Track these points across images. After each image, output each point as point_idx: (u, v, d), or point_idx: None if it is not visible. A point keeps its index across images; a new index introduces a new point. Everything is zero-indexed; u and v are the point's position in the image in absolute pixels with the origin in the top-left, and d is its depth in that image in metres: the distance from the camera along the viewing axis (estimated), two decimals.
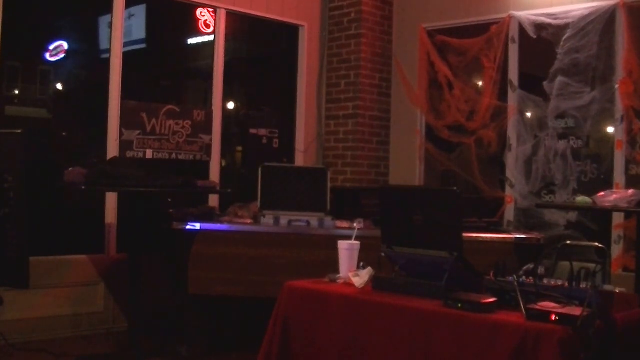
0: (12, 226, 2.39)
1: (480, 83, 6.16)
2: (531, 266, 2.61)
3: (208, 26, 6.09)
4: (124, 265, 5.01)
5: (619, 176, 5.28)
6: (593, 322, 2.24)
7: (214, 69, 6.08)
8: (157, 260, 5.07)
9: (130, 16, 5.73)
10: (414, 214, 2.85)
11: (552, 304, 2.33)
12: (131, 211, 5.05)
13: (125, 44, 5.57)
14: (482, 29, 6.00)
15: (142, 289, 4.67)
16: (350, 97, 6.57)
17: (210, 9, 6.08)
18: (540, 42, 5.62)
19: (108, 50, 5.51)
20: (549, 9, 5.62)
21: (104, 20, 5.66)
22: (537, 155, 5.68)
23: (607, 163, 5.40)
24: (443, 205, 2.83)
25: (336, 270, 3.09)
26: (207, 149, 5.93)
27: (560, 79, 5.47)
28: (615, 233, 5.25)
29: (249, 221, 4.97)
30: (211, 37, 6.11)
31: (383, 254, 2.96)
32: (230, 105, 6.57)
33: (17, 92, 5.46)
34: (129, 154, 5.46)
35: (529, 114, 5.84)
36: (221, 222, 4.86)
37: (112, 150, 5.40)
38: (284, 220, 4.78)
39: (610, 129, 5.46)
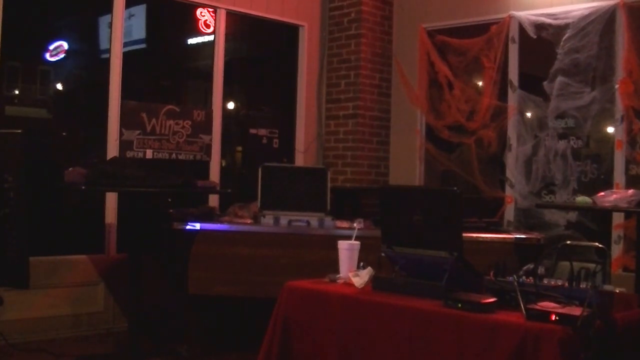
0: (12, 226, 2.39)
1: (480, 83, 6.16)
2: (531, 266, 2.61)
3: (208, 26, 6.09)
4: (124, 265, 5.01)
5: (619, 176, 5.28)
6: (593, 322, 2.24)
7: (214, 69, 6.08)
8: (157, 260, 5.07)
9: (130, 16, 5.73)
10: (414, 214, 2.85)
11: (552, 304, 2.33)
12: (131, 211, 5.05)
13: (125, 44, 5.57)
14: (482, 29, 6.00)
15: (142, 289, 4.66)
16: (350, 97, 6.57)
17: (210, 9, 6.08)
18: (540, 42, 5.62)
19: (108, 50, 5.51)
20: (549, 9, 5.62)
21: (104, 20, 5.66)
22: (537, 155, 5.68)
23: (607, 163, 5.40)
24: (443, 205, 2.83)
25: (336, 270, 3.09)
26: (207, 149, 5.93)
27: (560, 79, 5.47)
28: (615, 233, 5.25)
29: (249, 221, 4.97)
30: (211, 37, 6.11)
31: (383, 254, 2.96)
32: (230, 105, 6.57)
33: (17, 92, 5.46)
34: (129, 154, 5.46)
35: (529, 114, 5.84)
36: (221, 222, 4.86)
37: (112, 150, 5.40)
38: (284, 220, 4.78)
39: (610, 129, 5.46)
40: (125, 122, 5.47)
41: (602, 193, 4.31)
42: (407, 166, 6.59)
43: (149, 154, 5.59)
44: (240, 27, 6.45)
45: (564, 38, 5.46)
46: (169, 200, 5.10)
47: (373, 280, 2.90)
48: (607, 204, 4.21)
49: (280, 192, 4.95)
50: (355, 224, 4.55)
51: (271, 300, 3.06)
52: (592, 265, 2.73)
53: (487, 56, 5.91)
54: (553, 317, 2.25)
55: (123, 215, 5.43)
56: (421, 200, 2.92)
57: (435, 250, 2.76)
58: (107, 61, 5.49)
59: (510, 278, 2.57)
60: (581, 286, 2.45)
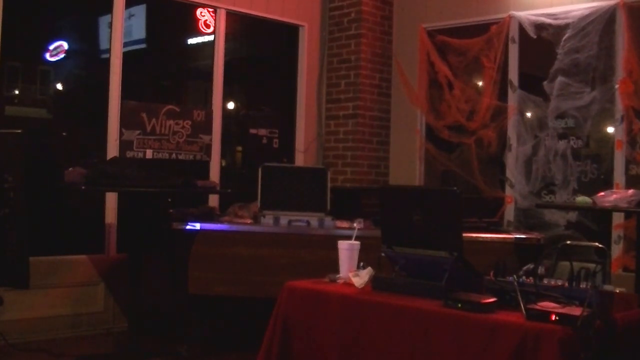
0: (12, 226, 2.39)
1: (480, 83, 6.16)
2: (531, 266, 2.61)
3: (208, 26, 6.09)
4: (124, 265, 5.01)
5: (619, 176, 5.28)
6: (593, 322, 2.24)
7: (214, 69, 6.08)
8: (157, 260, 5.07)
9: (130, 16, 5.73)
10: (414, 214, 2.85)
11: (552, 304, 2.33)
12: (131, 211, 5.05)
13: (125, 44, 5.57)
14: (482, 29, 6.00)
15: (142, 289, 4.67)
16: (350, 97, 6.57)
17: (210, 9, 6.08)
18: (540, 42, 5.62)
19: (108, 50, 5.51)
20: (549, 9, 5.62)
21: (104, 20, 5.66)
22: (537, 155, 5.67)
23: (607, 163, 5.40)
24: (443, 205, 2.83)
25: (336, 270, 3.09)
26: (207, 149, 5.93)
27: (560, 79, 5.47)
28: (615, 233, 5.25)
29: (249, 221, 4.97)
30: (211, 37, 6.11)
31: (383, 254, 2.96)
32: (230, 105, 6.57)
33: (17, 92, 5.46)
34: (129, 154, 5.46)
35: (529, 114, 5.84)
36: (221, 222, 4.86)
37: (112, 150, 5.40)
38: (284, 220, 4.78)
39: (610, 129, 5.46)
40: (125, 122, 5.47)
41: (602, 193, 4.31)
42: (407, 166, 6.59)
43: (149, 154, 5.59)
44: (240, 27, 6.45)
45: (564, 38, 5.46)
46: (169, 200, 5.09)
47: (373, 280, 2.90)
48: (607, 204, 4.21)
49: (280, 192, 4.95)
50: (355, 224, 4.55)
51: (271, 300, 3.06)
52: (592, 265, 2.73)
53: (487, 56, 5.91)
54: (553, 317, 2.26)
55: (123, 215, 5.43)
56: (421, 200, 2.92)
57: (435, 250, 2.76)
58: (107, 61, 5.49)
59: (510, 278, 2.57)
60: (581, 286, 2.45)
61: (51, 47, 5.42)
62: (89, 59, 5.90)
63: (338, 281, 3.03)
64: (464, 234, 2.83)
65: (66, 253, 5.16)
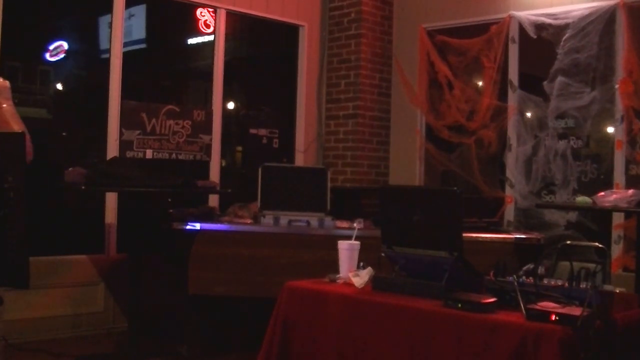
0: (12, 226, 2.39)
1: (480, 83, 6.16)
2: (531, 266, 2.61)
3: (208, 26, 6.09)
4: (124, 265, 5.02)
5: (619, 176, 5.28)
6: (593, 322, 2.24)
7: (214, 69, 6.08)
8: (157, 260, 5.07)
9: (130, 16, 5.73)
10: (414, 214, 2.84)
11: (552, 304, 2.33)
12: (131, 211, 5.05)
13: (125, 44, 5.57)
14: (482, 29, 6.00)
15: (142, 289, 4.66)
16: (350, 97, 6.57)
17: (210, 9, 6.08)
18: (540, 42, 5.62)
19: (108, 50, 5.51)
20: (549, 9, 5.62)
21: (104, 20, 5.66)
22: (537, 155, 5.67)
23: (607, 163, 5.40)
24: (443, 205, 2.83)
25: (336, 270, 3.09)
26: (207, 149, 5.93)
27: (560, 79, 5.47)
28: (615, 233, 5.25)
29: (249, 221, 4.97)
30: (211, 37, 6.11)
31: (383, 254, 2.96)
32: (230, 105, 6.57)
33: (17, 92, 5.46)
34: (129, 154, 5.46)
35: (529, 114, 5.84)
36: (221, 222, 4.86)
37: (112, 150, 5.40)
38: (284, 220, 4.78)
39: (610, 129, 5.46)
40: (125, 122, 5.47)
41: (602, 193, 4.31)
42: (407, 166, 6.59)
43: (149, 154, 5.59)
44: (240, 27, 6.45)
45: (564, 38, 5.45)
46: (169, 200, 5.10)
47: (373, 280, 2.90)
48: (607, 204, 4.21)
49: (280, 192, 4.95)
50: (355, 224, 4.55)
51: (271, 300, 3.06)
52: (592, 265, 2.74)
53: (487, 56, 5.91)
54: (553, 317, 2.25)
55: (123, 215, 5.43)
56: (421, 200, 2.92)
57: (435, 250, 2.76)
58: (107, 61, 5.49)
59: (510, 278, 2.57)
60: (581, 286, 2.45)
61: (51, 47, 5.42)
62: (89, 59, 5.90)
63: (338, 281, 3.03)
64: (464, 234, 2.83)
65: (66, 253, 5.16)
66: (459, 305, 2.47)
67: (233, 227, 4.78)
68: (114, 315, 5.33)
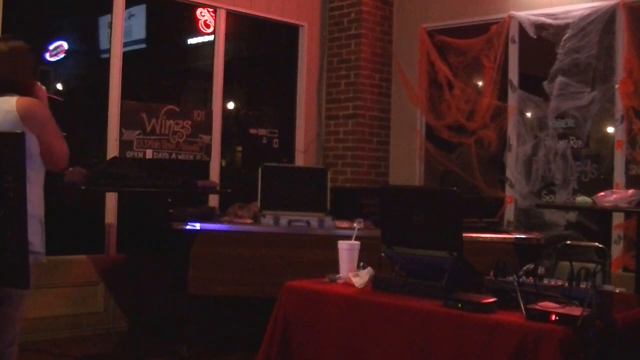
0: (12, 226, 2.39)
1: (480, 83, 6.16)
2: (531, 266, 2.61)
3: (208, 26, 6.09)
4: (124, 265, 5.01)
5: (619, 176, 5.28)
6: (593, 322, 2.24)
7: (214, 69, 6.08)
8: (157, 260, 5.07)
9: (130, 16, 5.73)
10: (414, 214, 2.84)
11: (552, 304, 2.33)
12: (131, 211, 5.05)
13: (125, 44, 5.57)
14: (482, 29, 6.00)
15: (142, 289, 4.66)
16: (350, 97, 6.58)
17: (210, 9, 6.08)
18: (540, 42, 5.62)
19: (108, 50, 5.51)
20: (549, 9, 5.62)
21: (104, 20, 5.66)
22: (537, 155, 5.68)
23: (607, 163, 5.40)
24: (443, 205, 2.83)
25: (336, 270, 3.09)
26: (207, 149, 5.93)
27: (560, 79, 5.47)
28: (615, 233, 5.25)
29: (249, 221, 4.97)
30: (211, 37, 6.11)
31: (383, 254, 2.96)
32: (230, 105, 6.57)
33: None
34: (129, 154, 5.46)
35: (529, 114, 5.84)
36: (221, 222, 4.86)
37: (112, 150, 5.41)
38: (284, 220, 4.78)
39: (610, 129, 5.46)
40: (125, 122, 5.47)
41: (602, 193, 4.31)
42: (407, 166, 6.59)
43: (149, 154, 5.59)
44: (240, 27, 6.45)
45: (564, 38, 5.45)
46: (169, 200, 5.10)
47: (373, 280, 2.90)
48: (607, 204, 4.21)
49: (280, 192, 4.95)
50: (355, 224, 4.54)
51: (271, 300, 3.06)
52: (592, 265, 2.73)
53: (487, 56, 5.91)
54: (553, 317, 2.25)
55: (123, 215, 5.43)
56: (421, 200, 2.92)
57: (435, 250, 2.76)
58: (107, 61, 5.49)
59: (510, 278, 2.57)
60: (581, 286, 2.45)
61: (51, 47, 5.42)
62: (89, 59, 5.90)
63: (338, 281, 3.02)
64: (464, 234, 2.83)
65: (66, 253, 5.16)
66: (459, 305, 2.47)
67: (233, 227, 4.78)
68: (114, 315, 5.33)
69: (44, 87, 3.05)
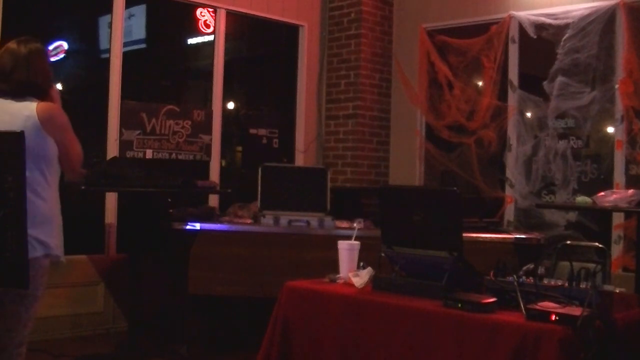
0: (12, 226, 2.39)
1: (480, 83, 6.16)
2: (531, 266, 2.61)
3: (208, 26, 6.09)
4: (124, 265, 5.01)
5: (619, 176, 5.28)
6: (593, 322, 2.24)
7: (214, 69, 6.08)
8: (157, 260, 5.07)
9: (130, 16, 5.73)
10: (414, 214, 2.84)
11: (552, 304, 2.33)
12: (131, 211, 5.05)
13: (125, 44, 5.57)
14: (482, 29, 6.00)
15: (142, 289, 4.66)
16: (350, 97, 6.57)
17: (210, 9, 6.08)
18: (540, 42, 5.62)
19: (108, 50, 5.51)
20: (549, 9, 5.62)
21: (104, 20, 5.66)
22: (537, 155, 5.68)
23: (607, 163, 5.40)
24: (443, 205, 2.83)
25: (336, 270, 3.09)
26: (207, 149, 5.93)
27: (560, 79, 5.47)
28: (615, 233, 5.25)
29: (249, 221, 4.97)
30: (211, 37, 6.11)
31: (383, 254, 2.96)
32: (230, 105, 6.57)
33: None
34: (129, 154, 5.46)
35: (529, 114, 5.84)
36: (221, 222, 4.86)
37: (112, 150, 5.40)
38: (284, 220, 4.78)
39: (610, 129, 5.46)
40: (125, 122, 5.47)
41: (602, 193, 4.31)
42: (407, 166, 6.59)
43: (149, 154, 5.59)
44: (240, 27, 6.45)
45: (564, 38, 5.45)
46: (169, 200, 5.09)
47: (373, 280, 2.89)
48: (607, 204, 4.21)
49: (280, 192, 4.95)
50: (355, 224, 4.55)
51: (271, 300, 3.06)
52: (592, 265, 2.73)
53: (487, 56, 5.91)
54: (553, 317, 2.25)
55: (123, 215, 5.43)
56: (421, 200, 2.92)
57: (435, 250, 2.76)
58: (107, 61, 5.49)
59: (510, 278, 2.57)
60: (581, 286, 2.45)
61: (51, 47, 5.42)
62: (89, 59, 5.90)
63: (338, 281, 3.02)
64: (464, 234, 2.82)
65: (66, 253, 5.13)
66: (459, 305, 2.47)
67: (233, 227, 4.78)
68: (113, 315, 5.33)
69: (58, 90, 3.06)
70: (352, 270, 2.98)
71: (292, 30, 6.71)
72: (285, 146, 6.65)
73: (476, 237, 4.60)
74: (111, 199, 5.43)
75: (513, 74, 5.90)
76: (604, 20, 5.31)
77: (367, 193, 6.28)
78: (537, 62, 5.99)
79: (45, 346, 4.72)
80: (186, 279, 4.58)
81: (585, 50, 5.36)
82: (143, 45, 5.91)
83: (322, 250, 4.38)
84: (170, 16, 6.17)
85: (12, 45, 2.87)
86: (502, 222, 5.76)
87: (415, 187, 5.88)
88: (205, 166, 5.96)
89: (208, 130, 5.94)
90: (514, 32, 5.87)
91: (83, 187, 4.36)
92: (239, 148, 6.86)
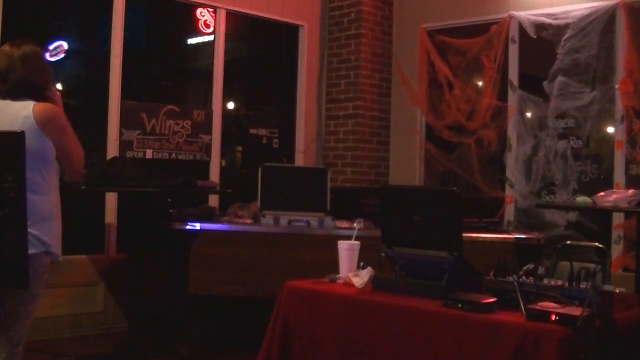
0: (12, 226, 2.39)
1: (480, 83, 6.16)
2: (531, 266, 2.61)
3: (208, 26, 6.09)
4: (124, 265, 5.01)
5: (619, 176, 5.28)
6: (593, 322, 2.24)
7: (214, 69, 6.08)
8: (157, 260, 5.07)
9: (131, 16, 5.72)
10: (414, 214, 2.84)
11: (552, 304, 2.33)
12: (131, 211, 5.05)
13: (125, 44, 5.56)
14: (482, 29, 6.00)
15: (142, 289, 4.66)
16: (350, 97, 6.58)
17: (210, 9, 6.08)
18: (540, 42, 5.62)
19: (108, 50, 5.51)
20: (549, 9, 5.62)
21: (104, 20, 5.66)
22: (537, 155, 5.67)
23: (607, 163, 5.40)
24: (443, 205, 2.83)
25: (336, 270, 3.09)
26: (207, 149, 5.93)
27: (560, 79, 5.47)
28: (615, 233, 5.25)
29: (249, 221, 4.97)
30: (211, 37, 6.11)
31: (383, 254, 2.96)
32: (230, 105, 6.57)
33: None
34: (129, 154, 5.46)
35: (529, 114, 5.84)
36: (221, 222, 4.86)
37: (112, 150, 5.40)
38: (284, 220, 4.78)
39: (610, 129, 5.46)
40: (125, 122, 5.47)
41: (602, 193, 4.31)
42: (407, 166, 6.59)
43: (149, 154, 5.59)
44: (240, 27, 6.45)
45: (564, 38, 5.46)
46: (169, 200, 5.09)
47: (373, 280, 2.90)
48: (607, 204, 4.21)
49: (280, 192, 4.95)
50: (355, 224, 4.55)
51: (271, 300, 3.06)
52: (592, 265, 2.73)
53: (487, 56, 5.91)
54: (553, 317, 2.25)
55: (123, 215, 5.43)
56: (421, 200, 2.92)
57: (435, 250, 2.76)
58: (107, 61, 5.49)
59: (510, 278, 2.57)
60: (581, 286, 2.45)
61: (51, 47, 5.42)
62: (88, 59, 5.89)
63: (338, 281, 3.03)
64: (464, 234, 2.83)
65: (66, 253, 5.13)
66: (459, 305, 2.47)
67: (233, 227, 4.78)
68: (113, 315, 5.33)
69: (58, 91, 3.06)
70: (352, 270, 2.98)
71: (292, 30, 6.71)
72: (285, 146, 6.65)
73: (476, 237, 4.60)
74: (111, 199, 5.43)
75: (513, 74, 5.90)
76: (604, 20, 5.31)
77: (367, 193, 6.28)
78: (537, 62, 5.99)
79: (45, 346, 4.72)
80: (186, 279, 4.58)
81: (585, 50, 5.36)
82: (143, 45, 5.91)
83: (322, 250, 4.38)
84: (170, 16, 6.17)
85: (6, 47, 2.89)
86: (502, 222, 5.76)
87: (415, 187, 5.88)
88: (205, 166, 5.96)
89: (208, 130, 5.94)
90: (514, 32, 5.87)
91: (83, 187, 4.36)
92: (239, 148, 6.86)
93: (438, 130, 6.29)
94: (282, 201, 4.90)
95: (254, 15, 6.33)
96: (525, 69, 5.94)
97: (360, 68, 6.51)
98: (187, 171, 5.62)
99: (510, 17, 5.84)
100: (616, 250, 5.20)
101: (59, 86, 5.78)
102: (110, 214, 5.44)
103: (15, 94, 2.80)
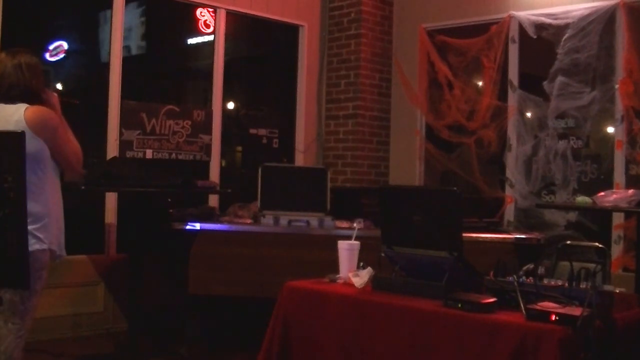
0: (12, 226, 2.39)
1: (480, 83, 6.16)
2: (531, 266, 2.61)
3: (208, 26, 6.09)
4: (124, 265, 5.01)
5: (619, 176, 5.27)
6: (593, 322, 2.24)
7: (214, 69, 6.08)
8: (157, 260, 5.07)
9: (131, 16, 5.73)
10: (414, 214, 2.84)
11: (552, 304, 2.33)
12: (131, 211, 5.05)
13: (125, 44, 5.56)
14: (482, 29, 6.00)
15: (142, 289, 4.66)
16: (350, 97, 6.58)
17: (210, 9, 6.08)
18: (540, 42, 5.62)
19: (108, 50, 5.51)
20: (549, 9, 5.62)
21: (104, 20, 5.66)
22: (537, 155, 5.67)
23: (607, 163, 5.40)
24: (443, 205, 2.83)
25: (336, 270, 3.09)
26: (207, 149, 5.93)
27: (560, 79, 5.47)
28: (615, 233, 5.25)
29: (249, 221, 4.97)
30: (211, 37, 6.11)
31: (383, 254, 2.96)
32: (230, 105, 6.57)
33: None
34: (129, 154, 5.46)
35: (529, 114, 5.84)
36: (221, 222, 4.87)
37: (112, 150, 5.40)
38: (284, 220, 4.78)
39: (610, 129, 5.46)
40: (125, 122, 5.47)
41: (602, 193, 4.30)
42: (407, 166, 6.59)
43: (149, 154, 5.59)
44: (240, 27, 6.45)
45: (564, 38, 5.45)
46: (169, 200, 5.09)
47: (373, 280, 2.90)
48: (607, 204, 4.21)
49: (280, 192, 4.95)
50: (355, 224, 4.55)
51: (271, 300, 3.06)
52: (592, 265, 2.73)
53: (487, 56, 5.91)
54: (553, 317, 2.25)
55: (123, 215, 5.42)
56: (421, 200, 2.92)
57: (435, 250, 2.76)
58: (107, 61, 5.48)
59: (510, 278, 2.57)
60: (581, 286, 2.45)
61: (51, 47, 5.42)
62: (88, 59, 5.89)
63: (338, 281, 3.03)
64: (464, 234, 2.83)
65: (66, 253, 5.15)
66: (459, 305, 2.47)
67: (233, 227, 4.78)
68: (114, 315, 5.33)
69: (55, 94, 3.14)
70: (352, 270, 2.98)
71: (292, 30, 6.71)
72: (285, 146, 6.65)
73: (476, 237, 4.60)
74: (111, 199, 5.43)
75: (513, 74, 5.90)
76: (604, 20, 5.31)
77: (367, 193, 6.28)
78: (537, 62, 5.99)
79: (45, 346, 4.72)
80: (186, 279, 4.58)
81: (585, 50, 5.36)
82: (143, 45, 5.91)
83: (322, 250, 4.38)
84: (170, 16, 6.17)
85: (1, 55, 3.03)
86: (502, 222, 5.76)
87: (415, 187, 5.88)
88: (205, 166, 5.96)
89: (208, 130, 5.94)
90: (514, 32, 5.87)
91: (83, 187, 4.36)
92: (239, 148, 6.86)
93: (438, 130, 6.29)
94: (282, 201, 4.90)
95: (254, 15, 6.33)
96: (525, 69, 5.94)
97: (360, 68, 6.51)
98: (187, 171, 5.62)
99: (510, 17, 5.84)
100: (616, 250, 5.20)
101: (58, 86, 5.79)
102: (110, 214, 5.44)
103: (10, 98, 2.91)
